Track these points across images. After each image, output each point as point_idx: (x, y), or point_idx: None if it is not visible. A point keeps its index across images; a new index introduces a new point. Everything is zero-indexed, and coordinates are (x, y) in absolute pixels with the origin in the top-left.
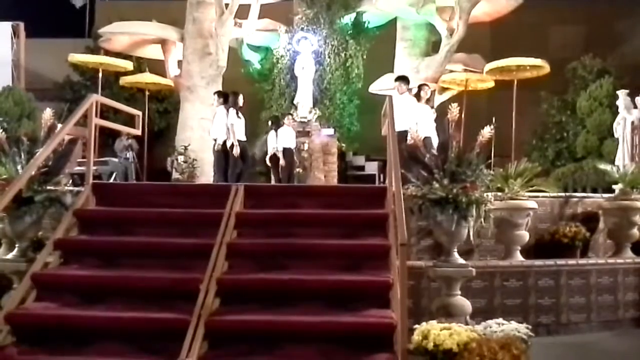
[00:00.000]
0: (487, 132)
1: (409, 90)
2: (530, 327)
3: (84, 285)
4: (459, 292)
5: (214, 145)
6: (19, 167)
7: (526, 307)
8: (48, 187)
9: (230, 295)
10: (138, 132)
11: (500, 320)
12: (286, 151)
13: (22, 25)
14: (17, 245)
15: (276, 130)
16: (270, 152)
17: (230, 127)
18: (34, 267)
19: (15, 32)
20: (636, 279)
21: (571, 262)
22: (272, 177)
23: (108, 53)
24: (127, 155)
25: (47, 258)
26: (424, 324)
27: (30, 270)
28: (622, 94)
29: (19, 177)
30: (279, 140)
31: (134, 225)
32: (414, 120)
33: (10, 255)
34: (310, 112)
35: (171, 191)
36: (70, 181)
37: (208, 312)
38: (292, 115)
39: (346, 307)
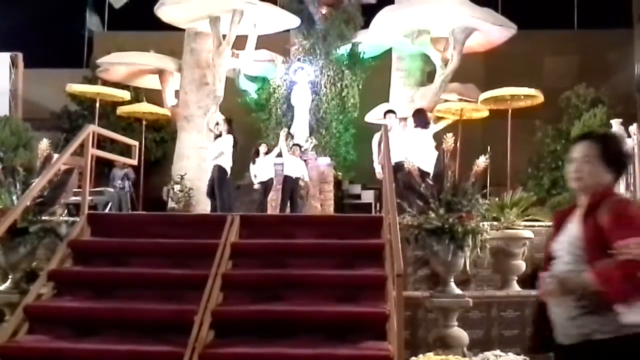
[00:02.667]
0: (482, 161)
1: (404, 119)
2: (528, 358)
3: (77, 317)
4: (456, 323)
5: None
6: (14, 197)
7: (524, 338)
8: (43, 218)
9: (225, 327)
10: (134, 162)
11: (497, 352)
12: (289, 179)
13: (20, 55)
14: (10, 277)
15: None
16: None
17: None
18: (26, 299)
19: (13, 62)
20: None
21: None
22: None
23: (106, 83)
24: (123, 185)
25: (40, 289)
26: (420, 355)
27: (23, 302)
28: (615, 123)
29: (14, 208)
30: (285, 169)
31: (128, 256)
32: (409, 150)
33: (3, 287)
34: (307, 141)
35: (166, 221)
36: (66, 211)
37: (202, 344)
38: (299, 145)
39: (342, 339)
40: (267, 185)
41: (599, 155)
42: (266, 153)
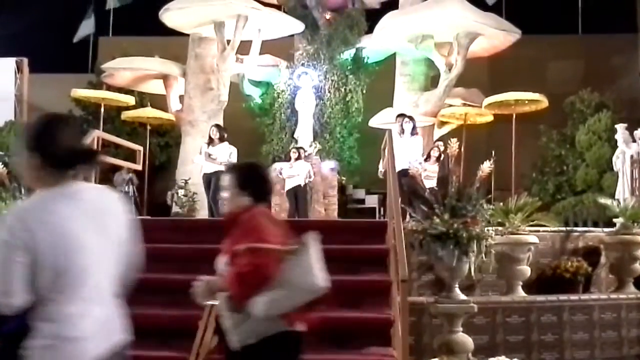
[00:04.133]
0: (486, 166)
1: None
2: None
3: None
4: (461, 329)
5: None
6: (19, 202)
7: (529, 343)
8: None
9: None
10: (139, 167)
11: (503, 357)
12: (301, 185)
13: (25, 60)
14: None
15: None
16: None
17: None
18: None
19: (18, 68)
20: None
21: (573, 297)
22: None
23: (110, 88)
24: (127, 189)
25: None
26: None
27: None
28: (620, 127)
29: None
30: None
31: None
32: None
33: None
34: (311, 145)
35: (171, 226)
36: None
37: (207, 350)
38: (304, 150)
39: (346, 345)
40: (296, 191)
41: (234, 184)
42: (297, 159)
